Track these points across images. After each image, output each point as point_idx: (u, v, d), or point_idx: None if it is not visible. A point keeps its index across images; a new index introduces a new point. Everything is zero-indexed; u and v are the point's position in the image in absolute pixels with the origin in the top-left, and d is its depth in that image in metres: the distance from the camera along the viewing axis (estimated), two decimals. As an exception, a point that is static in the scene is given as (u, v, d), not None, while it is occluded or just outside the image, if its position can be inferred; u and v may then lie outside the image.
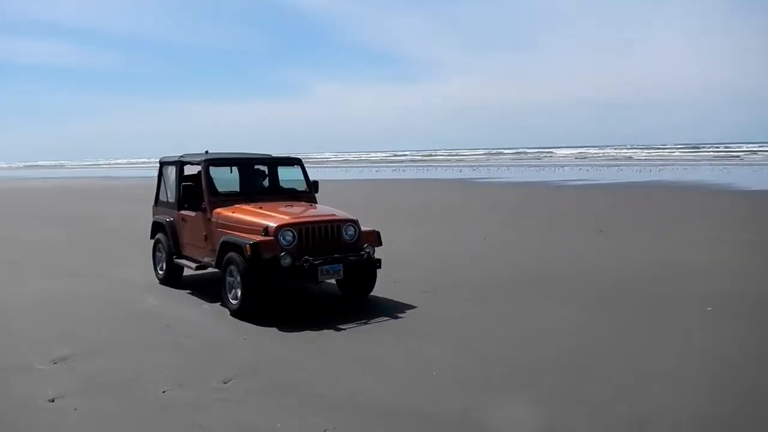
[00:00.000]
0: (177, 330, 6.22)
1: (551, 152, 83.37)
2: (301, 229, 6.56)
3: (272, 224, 6.52)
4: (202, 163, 7.57)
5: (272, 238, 6.41)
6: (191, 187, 7.58)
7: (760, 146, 68.12)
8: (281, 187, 8.36)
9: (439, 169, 52.49)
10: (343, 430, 3.99)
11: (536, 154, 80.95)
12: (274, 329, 6.17)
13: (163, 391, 4.61)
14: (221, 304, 6.97)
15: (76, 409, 4.34)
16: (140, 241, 10.92)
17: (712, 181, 28.53)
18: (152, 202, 8.94)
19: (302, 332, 6.06)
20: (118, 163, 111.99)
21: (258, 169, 8.34)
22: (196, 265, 7.57)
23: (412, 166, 60.05)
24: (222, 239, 6.85)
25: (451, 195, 25.03)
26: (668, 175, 34.49)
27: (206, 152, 8.02)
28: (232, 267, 6.61)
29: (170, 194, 8.28)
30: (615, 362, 5.11)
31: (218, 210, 7.21)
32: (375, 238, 7.09)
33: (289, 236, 6.47)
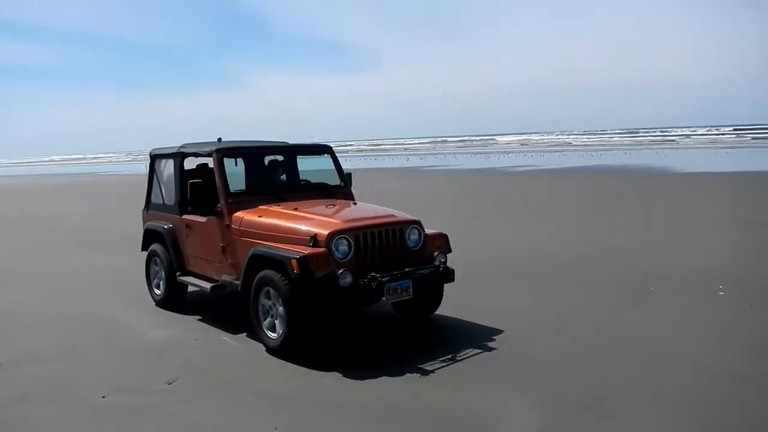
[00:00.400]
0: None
1: (494, 139, 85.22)
2: (357, 235, 5.20)
3: (323, 231, 5.11)
4: (214, 154, 6.08)
5: (324, 249, 5.01)
6: (200, 185, 6.11)
7: (692, 131, 72.67)
8: (309, 181, 6.93)
9: (388, 158, 52.19)
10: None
11: (480, 142, 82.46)
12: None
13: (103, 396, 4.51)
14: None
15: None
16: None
17: (669, 165, 28.96)
18: (137, 205, 7.91)
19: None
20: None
21: (278, 160, 6.90)
22: (212, 285, 6.15)
23: (359, 156, 59.56)
24: (251, 252, 5.40)
25: (411, 184, 24.94)
26: (610, 159, 35.58)
27: (219, 140, 6.72)
28: (270, 289, 5.24)
29: (168, 194, 6.85)
30: (617, 360, 4.96)
31: (239, 214, 5.78)
32: (443, 242, 5.78)
33: (344, 246, 5.11)
